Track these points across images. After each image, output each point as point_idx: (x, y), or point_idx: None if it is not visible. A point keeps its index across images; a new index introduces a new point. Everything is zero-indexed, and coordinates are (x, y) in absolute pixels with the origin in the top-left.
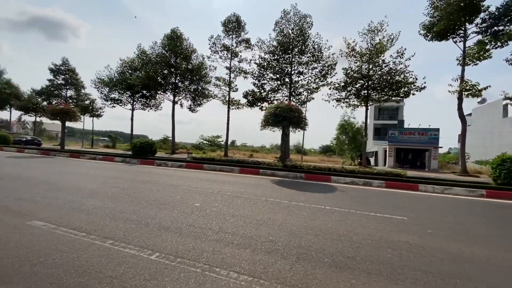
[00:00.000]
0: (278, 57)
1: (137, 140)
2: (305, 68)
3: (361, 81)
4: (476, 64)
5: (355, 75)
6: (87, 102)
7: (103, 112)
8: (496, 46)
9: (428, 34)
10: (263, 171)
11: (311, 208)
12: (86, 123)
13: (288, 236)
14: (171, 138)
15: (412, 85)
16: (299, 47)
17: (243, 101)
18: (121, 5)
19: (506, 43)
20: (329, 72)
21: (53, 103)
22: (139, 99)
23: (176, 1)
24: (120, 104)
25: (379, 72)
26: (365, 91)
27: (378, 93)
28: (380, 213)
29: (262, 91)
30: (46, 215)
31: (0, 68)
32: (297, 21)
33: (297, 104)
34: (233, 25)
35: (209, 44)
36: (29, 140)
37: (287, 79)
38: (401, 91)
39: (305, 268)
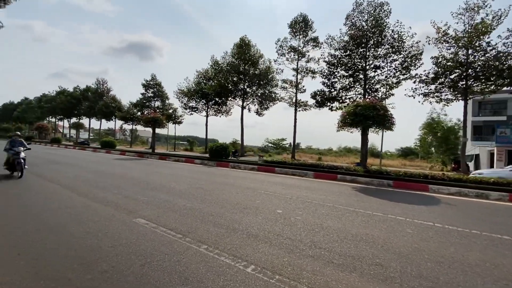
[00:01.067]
0: (350, 53)
1: (213, 144)
2: (383, 62)
3: (458, 70)
4: None
5: (448, 63)
6: (170, 111)
7: (183, 119)
8: None
9: None
10: (342, 176)
11: (415, 225)
12: (168, 129)
13: (399, 260)
14: (239, 141)
15: None
16: (375, 39)
17: (311, 102)
18: (194, 23)
19: None
20: (413, 64)
21: (145, 113)
22: (212, 106)
23: (240, 13)
24: (197, 111)
25: (482, 58)
26: (464, 82)
27: (482, 83)
28: None
29: (332, 90)
30: (147, 213)
31: (108, 87)
32: (372, 11)
33: None
34: (300, 25)
35: (275, 47)
36: (83, 141)
37: (361, 76)
38: None
39: None
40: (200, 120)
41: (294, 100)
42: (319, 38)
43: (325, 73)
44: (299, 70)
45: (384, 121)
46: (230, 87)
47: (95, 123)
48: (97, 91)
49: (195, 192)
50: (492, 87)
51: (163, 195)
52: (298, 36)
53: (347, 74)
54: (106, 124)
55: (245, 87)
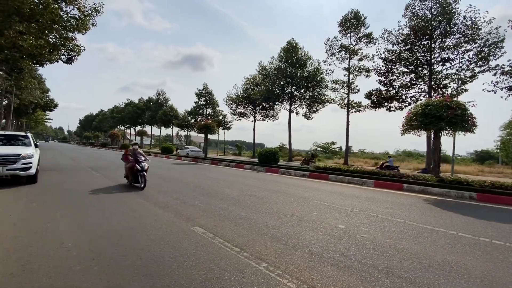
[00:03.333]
0: (411, 46)
1: (262, 149)
2: (452, 53)
3: None
4: None
5: None
6: (220, 117)
7: (232, 125)
8: None
9: None
10: (409, 186)
11: None
12: (219, 134)
13: None
14: (287, 146)
15: None
16: (442, 29)
17: (365, 102)
18: (242, 32)
19: None
20: (492, 53)
21: (198, 120)
22: (260, 111)
23: (286, 16)
24: (245, 117)
25: None
26: None
27: None
28: None
29: (390, 88)
30: (204, 222)
31: (166, 97)
32: None
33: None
34: (352, 22)
35: (325, 47)
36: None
37: (425, 71)
38: None
39: None
40: (247, 124)
41: (346, 101)
42: (373, 34)
43: (381, 71)
44: (351, 70)
45: (462, 122)
46: (277, 91)
47: (155, 130)
48: (157, 101)
49: (248, 200)
50: None
51: (218, 202)
52: (349, 34)
53: (407, 70)
54: (165, 131)
55: (293, 90)
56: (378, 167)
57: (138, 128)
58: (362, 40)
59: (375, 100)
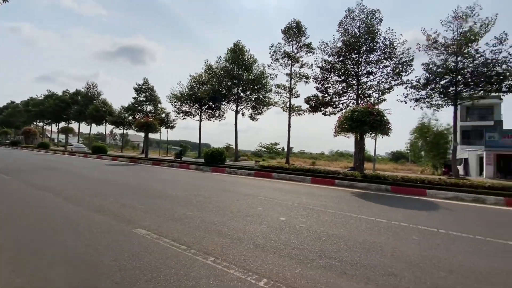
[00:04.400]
0: (343, 58)
1: (209, 149)
2: (375, 67)
3: (448, 77)
4: None
5: (439, 70)
6: (163, 115)
7: (175, 123)
8: None
9: None
10: (340, 181)
11: (420, 231)
12: (161, 133)
13: (411, 270)
14: (233, 146)
15: None
16: (367, 45)
17: (305, 106)
18: (188, 28)
19: None
20: (404, 70)
21: (137, 117)
22: (206, 110)
23: (234, 17)
24: (190, 116)
25: (471, 65)
26: (454, 88)
27: (471, 89)
28: None
29: (326, 95)
30: (147, 223)
31: (98, 91)
32: (364, 18)
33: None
34: (294, 31)
35: (269, 52)
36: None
37: (354, 81)
38: (504, 84)
39: None
40: (192, 124)
41: (288, 105)
42: (313, 44)
43: (318, 79)
44: (292, 75)
45: (380, 126)
46: (224, 91)
47: (84, 128)
48: (87, 95)
49: (194, 199)
50: (481, 93)
51: (161, 203)
52: (291, 42)
53: (340, 79)
54: (96, 129)
55: (239, 91)
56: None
57: (62, 124)
58: (302, 49)
59: (313, 105)
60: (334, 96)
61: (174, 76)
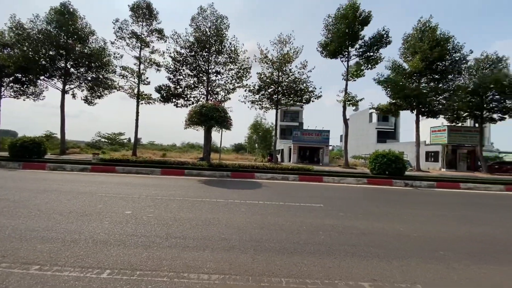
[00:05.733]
0: (195, 54)
1: (16, 138)
2: (222, 68)
3: (273, 87)
4: (355, 80)
5: (267, 80)
6: None
7: None
8: (368, 67)
9: (324, 52)
10: (189, 171)
11: (247, 204)
12: None
13: (238, 233)
14: (57, 135)
15: (312, 93)
16: (216, 47)
17: (156, 95)
18: None
19: (374, 66)
20: (244, 75)
21: None
22: (11, 84)
23: None
24: None
25: (287, 80)
26: (276, 96)
27: (286, 98)
28: (303, 203)
29: (178, 87)
30: None
31: None
32: (214, 21)
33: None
34: (143, 12)
35: (113, 28)
36: None
37: (204, 77)
38: (304, 97)
39: (264, 258)
40: None
41: (136, 91)
42: (165, 32)
43: (170, 69)
44: (142, 60)
45: (224, 121)
46: (44, 62)
47: None
48: None
49: None
50: (291, 102)
51: None
52: (141, 23)
53: (192, 73)
54: None
55: (68, 66)
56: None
57: None
58: (154, 33)
59: (165, 95)
60: (186, 89)
61: None
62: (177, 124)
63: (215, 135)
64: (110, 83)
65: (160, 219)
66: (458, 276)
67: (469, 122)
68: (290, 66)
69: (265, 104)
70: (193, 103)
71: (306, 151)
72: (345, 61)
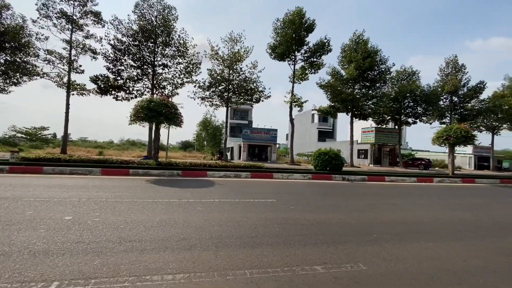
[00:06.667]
0: (139, 44)
1: None
2: (170, 62)
3: (224, 84)
4: (300, 83)
5: (218, 77)
6: None
7: None
8: (312, 72)
9: (273, 54)
10: (135, 171)
11: (203, 203)
12: None
13: (197, 231)
14: None
15: (262, 93)
16: (164, 38)
17: (91, 86)
18: None
19: (317, 71)
20: (194, 70)
21: None
22: None
23: None
24: None
25: (237, 78)
26: (227, 94)
27: (237, 96)
28: (257, 199)
29: (119, 78)
30: None
31: None
32: (161, 10)
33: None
34: None
35: (36, 4)
36: None
37: (149, 70)
38: (254, 97)
39: (227, 253)
40: None
41: (65, 80)
42: (103, 16)
43: (110, 57)
44: (74, 45)
45: (174, 118)
46: None
47: None
48: None
49: None
50: (242, 100)
51: None
52: (72, 2)
53: (135, 64)
54: None
55: None
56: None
57: None
58: (88, 16)
59: (102, 86)
60: (128, 80)
61: None
62: (117, 119)
63: (161, 131)
64: (30, 69)
65: (109, 223)
66: (388, 253)
67: (391, 125)
68: (241, 65)
69: (216, 101)
70: (136, 96)
71: (255, 149)
72: (292, 64)
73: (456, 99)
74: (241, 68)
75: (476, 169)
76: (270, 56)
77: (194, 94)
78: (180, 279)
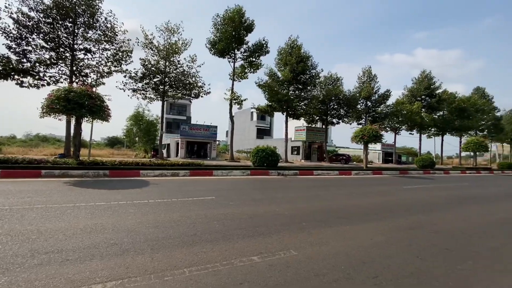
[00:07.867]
0: (54, 22)
1: None
2: (94, 47)
3: (159, 76)
4: (240, 81)
5: (153, 68)
6: None
7: None
8: (251, 71)
9: (212, 49)
10: (49, 171)
11: (135, 205)
12: None
13: (130, 235)
14: None
15: (201, 89)
16: (86, 19)
17: None
18: None
19: (256, 71)
20: (124, 58)
21: None
22: None
23: None
24: None
25: (175, 71)
26: (163, 87)
27: (174, 90)
28: (196, 197)
29: (25, 60)
30: None
31: None
32: None
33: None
34: None
35: None
36: None
37: (67, 54)
38: (193, 92)
39: (164, 255)
40: None
41: None
42: None
43: (11, 34)
44: None
45: (100, 111)
46: None
47: None
48: None
49: None
50: (179, 94)
51: None
52: None
53: (48, 46)
54: None
55: None
56: None
57: None
58: None
59: (1, 69)
60: (38, 64)
61: None
62: (22, 110)
63: (83, 126)
64: None
65: (16, 234)
66: (314, 238)
67: (319, 124)
68: (179, 57)
69: (150, 94)
70: (49, 84)
71: (194, 146)
72: (232, 62)
73: (369, 104)
74: (178, 61)
75: (383, 163)
76: (209, 51)
77: (124, 85)
78: (112, 286)
